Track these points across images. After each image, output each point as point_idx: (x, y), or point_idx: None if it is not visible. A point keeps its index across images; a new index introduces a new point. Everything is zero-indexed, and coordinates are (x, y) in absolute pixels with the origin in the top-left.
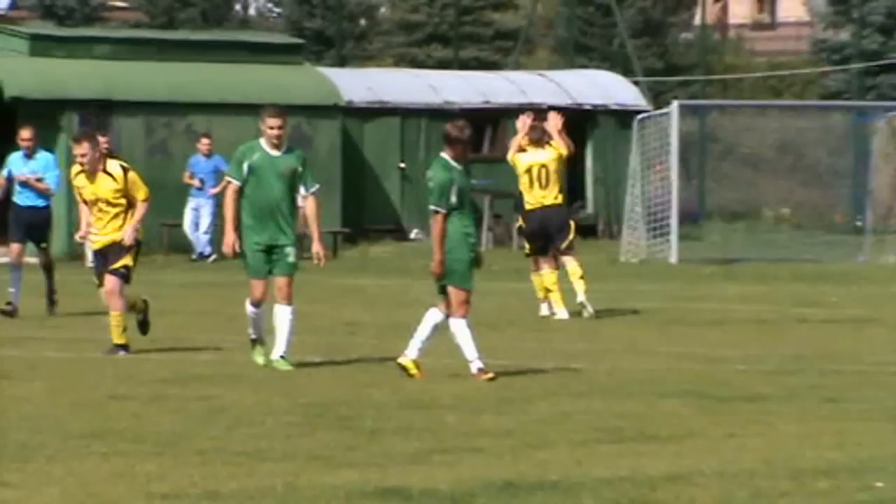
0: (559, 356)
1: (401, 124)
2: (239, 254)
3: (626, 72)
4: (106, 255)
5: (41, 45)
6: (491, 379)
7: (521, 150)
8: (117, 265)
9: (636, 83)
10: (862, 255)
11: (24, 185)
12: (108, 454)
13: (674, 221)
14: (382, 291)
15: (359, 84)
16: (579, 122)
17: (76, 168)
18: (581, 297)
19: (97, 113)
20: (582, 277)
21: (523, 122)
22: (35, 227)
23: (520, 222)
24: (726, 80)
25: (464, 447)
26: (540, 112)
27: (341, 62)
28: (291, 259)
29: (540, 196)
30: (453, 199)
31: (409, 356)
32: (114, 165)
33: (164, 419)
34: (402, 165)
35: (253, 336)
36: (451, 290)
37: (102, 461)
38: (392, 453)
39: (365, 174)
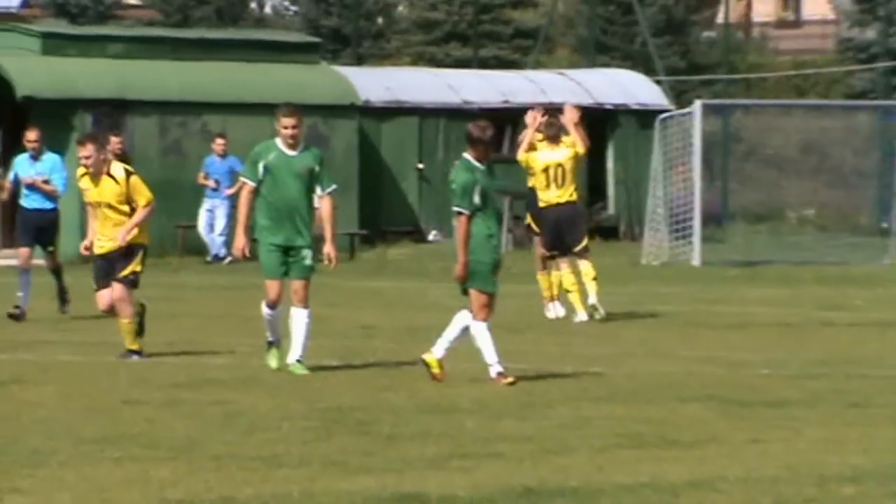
0: (579, 360)
1: (419, 124)
2: (248, 258)
3: (648, 71)
4: (110, 260)
5: (53, 44)
6: (511, 383)
7: (533, 147)
8: (126, 272)
9: (658, 82)
10: (887, 258)
11: (31, 187)
12: (122, 459)
13: (696, 223)
14: (400, 294)
15: (376, 83)
16: (600, 121)
17: (81, 170)
18: (593, 299)
19: (110, 113)
20: (595, 279)
21: (533, 118)
22: (43, 229)
23: (528, 220)
24: (750, 80)
25: (483, 453)
26: (551, 110)
27: (358, 61)
28: (308, 262)
29: (556, 196)
30: (476, 199)
31: (434, 354)
32: (117, 169)
33: (178, 424)
34: (421, 166)
35: (270, 339)
36: (472, 292)
37: (116, 467)
38: (409, 459)
39: (382, 175)
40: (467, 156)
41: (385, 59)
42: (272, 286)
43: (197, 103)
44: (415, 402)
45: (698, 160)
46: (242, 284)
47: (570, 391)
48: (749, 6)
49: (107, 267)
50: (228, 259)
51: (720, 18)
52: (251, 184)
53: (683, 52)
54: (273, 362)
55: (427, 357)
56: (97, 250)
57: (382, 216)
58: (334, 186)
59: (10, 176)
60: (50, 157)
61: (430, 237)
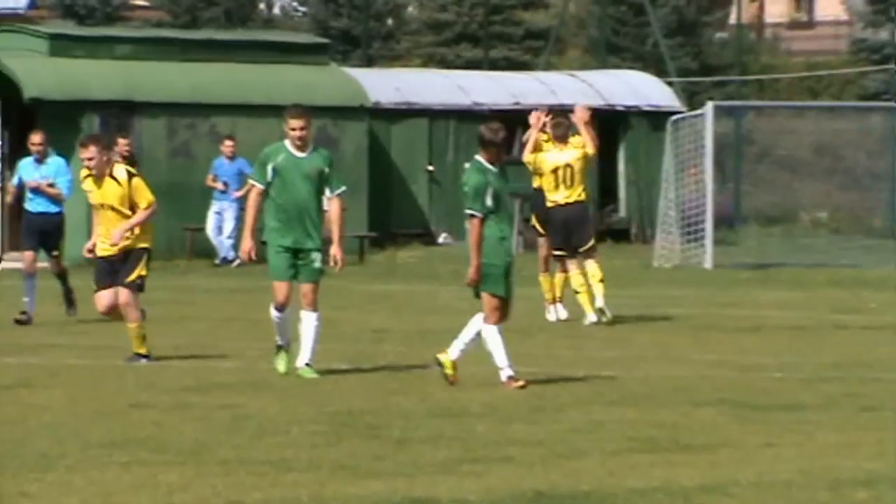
0: (591, 364)
1: (429, 126)
2: (256, 261)
3: (660, 72)
4: (112, 263)
5: (61, 45)
6: (521, 387)
7: (539, 148)
8: (132, 277)
9: (670, 84)
10: None
11: (36, 191)
12: (130, 464)
13: (708, 226)
14: (410, 297)
15: (386, 85)
16: (611, 123)
17: (84, 172)
18: (600, 302)
19: (118, 114)
20: (602, 281)
21: (536, 118)
22: (47, 233)
23: (532, 220)
24: (762, 81)
25: (493, 457)
26: (555, 110)
27: (368, 62)
28: (317, 265)
29: (564, 196)
30: (489, 202)
31: (450, 355)
32: (119, 170)
33: (186, 428)
34: (431, 168)
35: (280, 343)
36: (483, 296)
37: (124, 471)
38: (420, 463)
39: (392, 177)
40: (479, 158)
41: (395, 61)
42: (280, 288)
43: (205, 105)
44: (425, 405)
45: (710, 162)
46: (251, 287)
47: (582, 395)
48: (761, 7)
49: (108, 269)
50: (237, 262)
51: (732, 19)
52: (260, 186)
53: (695, 53)
54: (281, 367)
55: (442, 357)
56: (100, 252)
57: (392, 218)
58: (344, 188)
59: (15, 180)
60: (54, 161)
61: (441, 240)
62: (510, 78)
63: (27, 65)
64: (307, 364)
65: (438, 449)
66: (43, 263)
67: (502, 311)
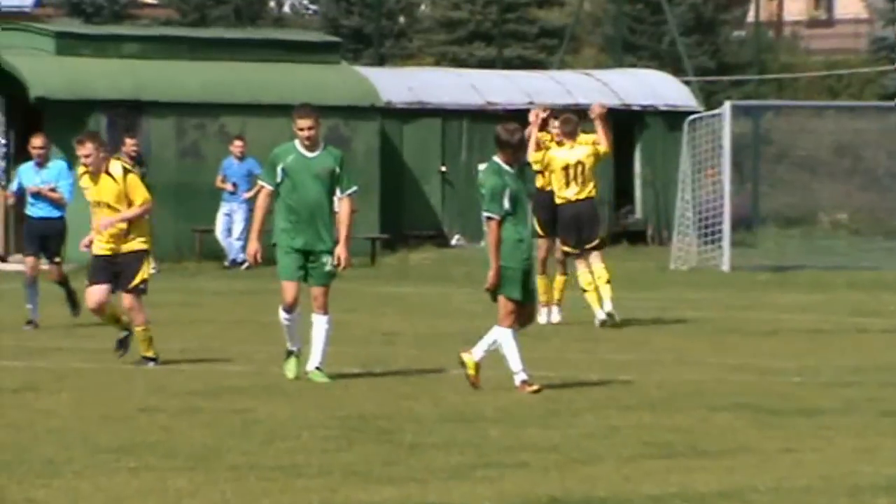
0: (606, 367)
1: (442, 126)
2: (262, 263)
3: (677, 71)
4: (108, 261)
5: (68, 44)
6: (536, 391)
7: (546, 147)
8: (135, 282)
9: (687, 83)
10: None
11: (37, 195)
12: (138, 469)
13: (726, 227)
14: (422, 300)
15: (398, 84)
16: (628, 123)
17: (81, 169)
18: (608, 305)
19: (126, 114)
20: (608, 282)
21: (535, 115)
22: (49, 238)
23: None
24: (781, 80)
25: (507, 462)
26: (555, 110)
27: (380, 61)
28: (328, 268)
29: (574, 193)
30: (507, 204)
31: (473, 356)
32: (115, 167)
33: (195, 433)
34: (443, 169)
35: (291, 347)
36: (500, 299)
37: (132, 476)
38: (433, 468)
39: (404, 178)
40: (496, 159)
41: (407, 60)
42: (288, 288)
43: (215, 104)
44: (438, 410)
45: (728, 163)
46: (260, 289)
47: (597, 399)
48: (780, 5)
49: (103, 266)
50: (246, 264)
51: (751, 17)
52: (269, 187)
53: (713, 51)
54: (290, 373)
55: (465, 356)
56: (96, 249)
57: (404, 220)
58: (354, 188)
59: (14, 186)
60: (56, 165)
61: (454, 241)
62: (524, 77)
63: (33, 64)
64: (318, 368)
65: (451, 454)
66: (44, 266)
67: (518, 315)
